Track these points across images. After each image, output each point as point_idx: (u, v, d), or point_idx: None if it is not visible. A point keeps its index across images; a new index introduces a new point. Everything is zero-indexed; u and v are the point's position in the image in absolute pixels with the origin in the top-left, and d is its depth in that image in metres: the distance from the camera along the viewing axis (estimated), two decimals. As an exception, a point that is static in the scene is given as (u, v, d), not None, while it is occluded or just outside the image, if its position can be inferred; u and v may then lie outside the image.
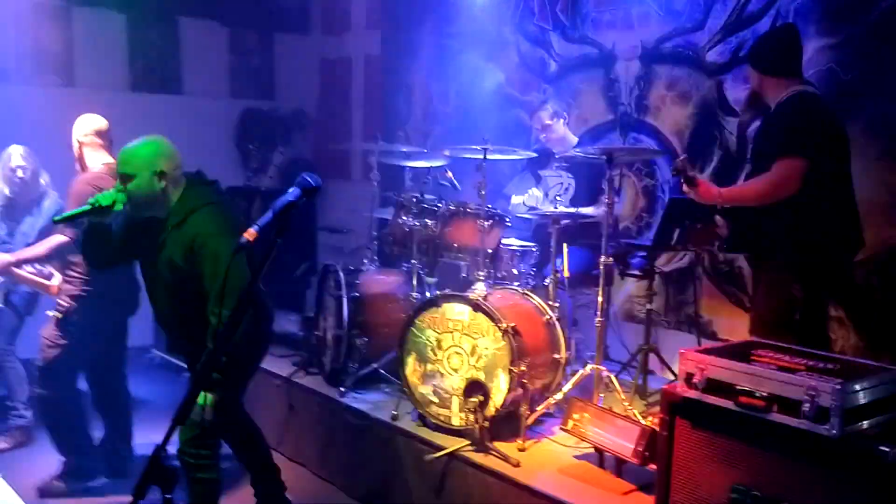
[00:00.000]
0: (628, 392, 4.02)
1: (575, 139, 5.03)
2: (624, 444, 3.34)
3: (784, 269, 3.56)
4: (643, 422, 3.48)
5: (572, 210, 4.47)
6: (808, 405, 2.56)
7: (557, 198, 4.48)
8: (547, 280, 4.37)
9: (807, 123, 3.50)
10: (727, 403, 2.76)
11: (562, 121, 4.94)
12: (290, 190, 2.23)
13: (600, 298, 3.98)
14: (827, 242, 3.54)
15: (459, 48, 6.33)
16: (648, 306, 4.47)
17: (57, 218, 3.57)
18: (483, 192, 4.15)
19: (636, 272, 4.52)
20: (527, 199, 4.83)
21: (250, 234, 2.16)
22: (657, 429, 3.06)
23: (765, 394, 2.67)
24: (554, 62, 5.77)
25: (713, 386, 2.82)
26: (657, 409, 3.23)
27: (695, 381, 2.86)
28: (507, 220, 4.40)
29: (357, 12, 7.49)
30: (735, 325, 4.74)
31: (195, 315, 3.16)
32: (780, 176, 3.44)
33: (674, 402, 2.94)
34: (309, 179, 2.22)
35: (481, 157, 4.15)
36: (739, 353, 2.95)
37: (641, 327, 4.71)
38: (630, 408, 3.77)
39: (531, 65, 5.93)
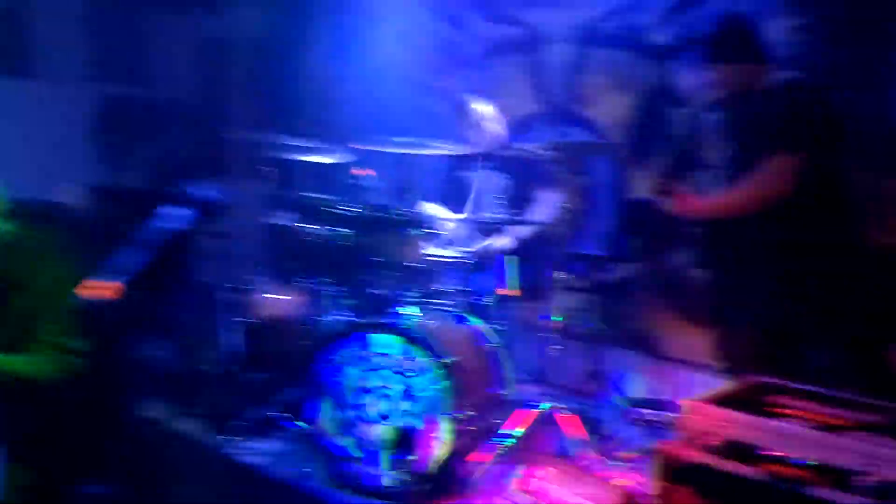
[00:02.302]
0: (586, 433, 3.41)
1: (504, 134, 4.37)
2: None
3: (775, 286, 3.03)
4: (623, 481, 2.86)
5: (518, 218, 3.81)
6: (866, 478, 1.98)
7: (493, 201, 3.81)
8: (486, 298, 3.68)
9: (801, 114, 2.99)
10: (751, 472, 2.16)
11: (497, 115, 4.28)
12: (179, 212, 1.45)
13: (555, 318, 3.35)
14: (821, 252, 3.03)
15: (365, 28, 5.56)
16: (597, 326, 3.87)
17: None
18: (409, 195, 3.43)
19: (584, 286, 3.93)
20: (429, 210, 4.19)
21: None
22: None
23: (806, 461, 2.08)
24: (474, 44, 5.09)
25: (731, 449, 2.22)
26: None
27: (707, 442, 2.25)
28: (434, 227, 3.69)
29: (244, -14, 6.57)
30: (689, 344, 4.20)
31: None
32: (772, 176, 2.91)
33: (676, 467, 2.31)
34: (202, 196, 1.46)
35: (401, 151, 3.43)
36: (750, 400, 2.36)
37: (585, 345, 4.13)
38: (604, 460, 3.15)
39: (449, 48, 5.23)
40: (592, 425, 3.85)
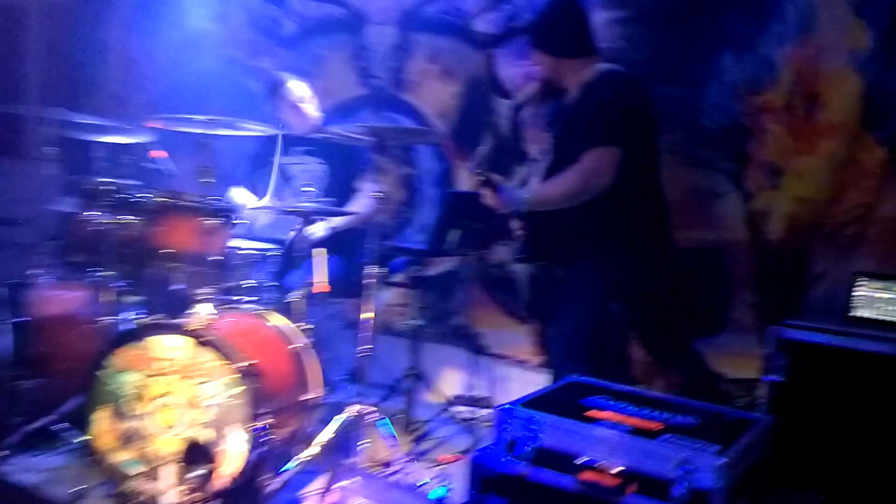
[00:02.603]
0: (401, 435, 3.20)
1: (319, 117, 4.10)
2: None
3: (595, 281, 2.93)
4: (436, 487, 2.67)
5: (334, 207, 3.54)
6: (680, 486, 1.87)
7: (305, 189, 3.52)
8: (294, 294, 3.39)
9: (620, 106, 2.92)
10: (566, 481, 2.01)
11: (315, 97, 4.00)
12: None
13: (365, 315, 3.11)
14: (640, 247, 2.98)
15: (168, 2, 5.10)
16: (415, 322, 3.68)
17: None
18: (207, 180, 3.08)
19: (402, 281, 3.72)
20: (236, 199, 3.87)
21: None
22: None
23: (618, 470, 1.95)
24: (291, 22, 4.76)
25: (545, 456, 2.06)
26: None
27: (519, 448, 2.08)
28: (237, 216, 3.35)
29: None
30: (508, 339, 4.09)
31: None
32: (593, 168, 2.83)
33: (487, 476, 2.13)
34: None
35: (205, 132, 3.08)
36: (566, 402, 2.22)
37: (401, 341, 3.94)
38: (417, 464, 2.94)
39: (262, 25, 4.88)
40: (408, 426, 3.67)
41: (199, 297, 3.07)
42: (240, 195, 4.08)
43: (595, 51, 3.11)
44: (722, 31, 3.47)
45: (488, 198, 2.89)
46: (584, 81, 3.02)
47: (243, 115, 4.52)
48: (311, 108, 4.00)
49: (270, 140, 3.93)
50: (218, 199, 3.25)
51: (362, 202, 3.82)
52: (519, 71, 4.00)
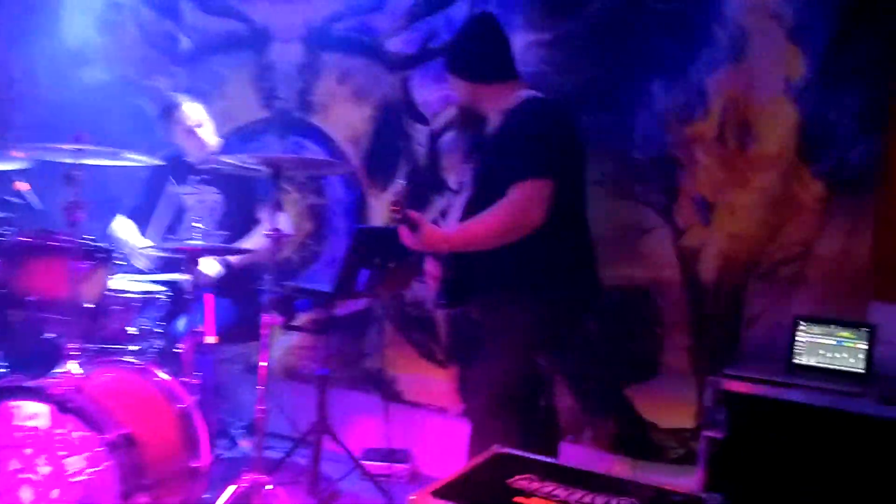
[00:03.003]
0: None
1: (218, 143, 3.73)
2: None
3: (517, 327, 2.65)
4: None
5: (222, 245, 3.17)
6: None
7: (195, 224, 3.15)
8: (182, 343, 3.00)
9: (548, 135, 2.66)
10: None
11: (212, 125, 3.63)
12: None
13: (262, 364, 2.76)
14: (569, 288, 2.72)
15: (53, 15, 4.64)
16: (321, 371, 3.33)
17: None
18: (75, 217, 2.68)
19: (305, 325, 3.37)
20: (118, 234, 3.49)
21: None
22: None
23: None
24: (187, 38, 4.37)
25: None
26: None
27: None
28: (118, 257, 2.96)
29: None
30: (426, 384, 3.77)
31: None
32: (524, 203, 2.55)
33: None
34: None
35: (73, 160, 2.69)
36: (491, 485, 1.92)
37: (307, 387, 3.59)
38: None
39: (156, 40, 4.47)
40: (315, 484, 3.31)
41: (70, 352, 2.66)
42: (124, 229, 3.67)
43: (516, 76, 2.85)
44: (651, 56, 3.25)
45: (405, 237, 2.57)
46: (506, 108, 2.76)
47: (137, 138, 4.16)
48: (208, 134, 3.63)
49: (161, 169, 3.55)
50: (92, 239, 2.85)
51: (260, 237, 3.47)
52: (436, 95, 3.71)
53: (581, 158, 2.80)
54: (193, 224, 3.10)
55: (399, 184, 2.44)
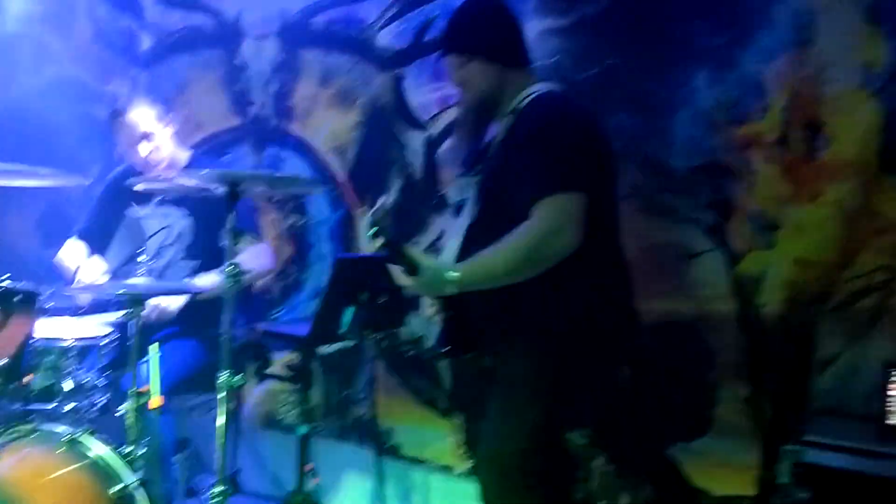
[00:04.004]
0: None
1: (185, 156, 3.16)
2: None
3: (538, 377, 2.09)
4: None
5: (176, 285, 2.62)
6: None
7: (141, 259, 2.59)
8: (124, 407, 2.42)
9: (575, 138, 2.10)
10: None
11: (170, 128, 3.06)
12: None
13: (219, 422, 2.20)
14: (602, 328, 2.16)
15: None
16: (304, 427, 2.76)
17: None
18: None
19: (281, 373, 2.81)
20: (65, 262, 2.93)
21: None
22: None
23: None
24: (148, 36, 3.82)
25: None
26: None
27: None
28: (42, 299, 2.39)
29: None
30: (426, 437, 3.20)
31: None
32: (555, 224, 2.00)
33: None
34: None
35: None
36: None
37: (288, 438, 3.06)
38: None
39: (112, 39, 3.93)
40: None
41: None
42: (72, 255, 3.10)
43: (530, 62, 2.29)
44: (692, 43, 2.69)
45: (400, 278, 1.99)
46: (515, 107, 2.19)
47: (87, 151, 3.62)
48: (164, 145, 3.05)
49: (119, 184, 2.99)
50: (11, 280, 2.29)
51: (233, 269, 2.90)
52: (434, 96, 3.16)
53: (613, 165, 2.24)
54: (139, 258, 2.52)
55: (380, 202, 1.85)
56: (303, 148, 3.48)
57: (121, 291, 2.30)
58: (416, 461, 3.22)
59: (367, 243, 3.19)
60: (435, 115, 3.17)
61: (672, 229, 2.72)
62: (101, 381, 2.63)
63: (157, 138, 3.02)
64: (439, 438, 3.17)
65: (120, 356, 2.73)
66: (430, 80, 3.16)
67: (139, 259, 2.39)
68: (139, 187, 2.34)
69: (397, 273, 1.94)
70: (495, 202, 2.16)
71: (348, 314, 2.54)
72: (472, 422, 3.09)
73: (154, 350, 2.25)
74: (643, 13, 2.75)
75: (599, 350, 2.20)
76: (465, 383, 3.12)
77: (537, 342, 2.15)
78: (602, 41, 2.83)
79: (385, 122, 3.27)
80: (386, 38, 3.27)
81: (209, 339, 2.96)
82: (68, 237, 3.19)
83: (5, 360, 2.24)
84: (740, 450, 2.60)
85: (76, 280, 2.88)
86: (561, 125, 2.09)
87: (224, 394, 2.14)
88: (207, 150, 3.51)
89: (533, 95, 2.18)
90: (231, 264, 2.14)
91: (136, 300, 2.32)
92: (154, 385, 2.22)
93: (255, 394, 3.48)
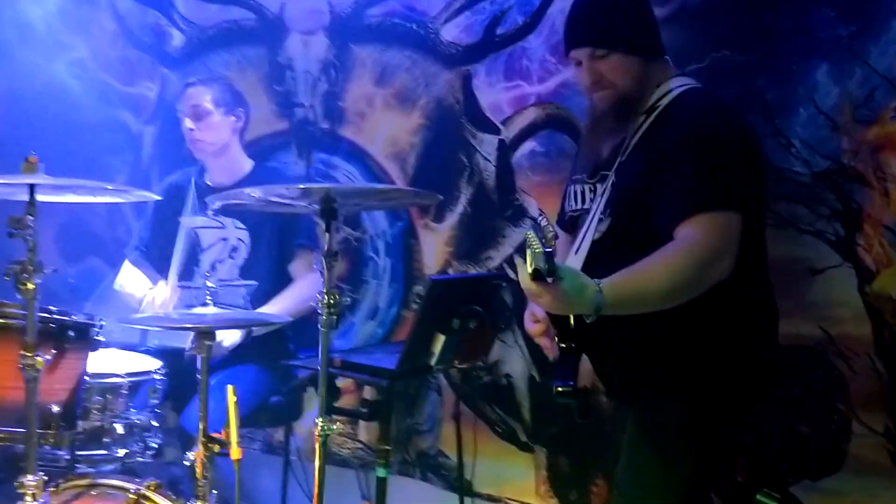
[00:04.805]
0: None
1: (249, 165, 2.84)
2: None
3: (696, 424, 1.81)
4: None
5: (242, 315, 2.30)
6: None
7: (208, 275, 2.28)
8: (193, 455, 2.09)
9: (729, 146, 1.80)
10: None
11: (232, 119, 2.75)
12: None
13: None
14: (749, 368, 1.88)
15: (10, 10, 3.75)
16: (383, 469, 2.44)
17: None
18: (35, 273, 1.80)
19: (355, 410, 2.50)
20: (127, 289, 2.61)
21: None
22: None
23: None
24: (180, 33, 3.51)
25: None
26: None
27: None
28: (99, 332, 2.07)
29: None
30: (503, 472, 2.90)
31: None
32: (710, 245, 1.72)
33: None
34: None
35: (27, 198, 1.81)
36: None
37: (343, 471, 2.93)
38: None
39: (140, 37, 3.62)
40: None
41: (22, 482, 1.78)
42: (131, 280, 2.77)
43: (664, 52, 2.00)
44: (811, 35, 2.40)
45: (534, 294, 1.65)
46: (654, 105, 1.90)
47: (116, 160, 3.33)
48: (219, 131, 2.73)
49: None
50: (63, 311, 1.97)
51: (298, 292, 2.60)
52: (509, 95, 2.86)
53: (764, 179, 1.95)
54: (208, 274, 2.21)
55: (547, 227, 1.53)
56: (357, 154, 3.17)
57: (190, 326, 1.97)
58: (492, 499, 2.91)
59: (434, 256, 2.93)
60: (509, 117, 2.87)
61: (793, 242, 2.43)
62: (154, 422, 2.34)
63: (211, 121, 2.69)
64: (518, 473, 2.87)
65: (170, 390, 2.43)
66: (502, 79, 2.87)
67: (206, 282, 2.06)
68: (216, 205, 2.01)
69: (526, 284, 1.62)
70: (631, 214, 1.86)
71: (439, 343, 2.24)
72: (555, 454, 2.82)
73: (231, 393, 1.93)
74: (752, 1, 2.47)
75: (751, 391, 1.92)
76: (546, 411, 2.84)
77: (691, 383, 1.85)
78: (706, 32, 2.54)
79: (452, 125, 2.97)
80: (452, 32, 2.97)
81: (271, 367, 2.67)
82: (118, 255, 2.88)
83: (58, 406, 1.92)
84: (877, 489, 2.32)
85: (142, 309, 2.57)
86: (721, 131, 1.80)
87: (322, 442, 1.83)
88: (249, 154, 3.18)
89: (675, 92, 1.89)
90: (330, 277, 1.82)
91: (206, 333, 2.00)
92: (234, 434, 1.91)
93: (305, 422, 3.17)
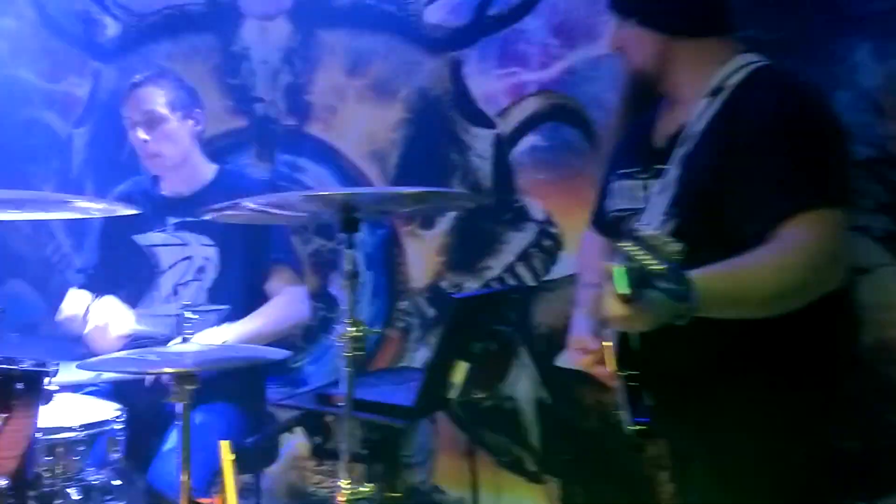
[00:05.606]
0: None
1: (211, 169, 2.42)
2: None
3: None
4: None
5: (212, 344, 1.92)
6: None
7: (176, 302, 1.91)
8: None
9: (823, 134, 1.54)
10: None
11: (190, 123, 2.33)
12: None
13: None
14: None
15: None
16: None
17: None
18: None
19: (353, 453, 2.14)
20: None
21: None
22: None
23: None
24: (114, 21, 3.07)
25: None
26: None
27: None
28: (51, 380, 1.66)
29: None
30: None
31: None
32: (834, 247, 1.47)
33: None
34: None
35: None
36: None
37: None
38: None
39: (68, 29, 3.17)
40: None
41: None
42: (74, 302, 2.31)
43: (729, 28, 1.73)
44: (849, 10, 2.19)
45: (624, 320, 1.33)
46: (721, 84, 1.62)
47: (39, 167, 2.92)
48: (178, 140, 2.32)
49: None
50: (1, 359, 1.56)
51: (275, 311, 2.22)
52: (504, 83, 2.55)
53: (850, 170, 1.70)
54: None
55: (658, 235, 1.22)
56: (327, 153, 2.81)
57: (167, 370, 1.59)
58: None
59: (422, 269, 2.60)
60: (505, 109, 2.56)
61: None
62: (116, 481, 1.94)
63: (168, 129, 2.28)
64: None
65: (131, 438, 2.03)
66: (497, 65, 2.56)
67: (185, 312, 1.68)
68: (208, 216, 1.62)
69: (615, 311, 1.31)
70: (704, 214, 1.57)
71: (461, 372, 1.92)
72: (568, 487, 2.54)
73: (226, 449, 1.56)
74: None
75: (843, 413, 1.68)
76: (557, 439, 2.55)
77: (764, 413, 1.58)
78: (734, 9, 2.30)
79: (439, 119, 2.64)
80: (437, 14, 2.64)
81: (247, 405, 2.29)
82: (46, 278, 2.43)
83: (6, 479, 1.51)
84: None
85: (87, 328, 2.13)
86: (813, 114, 1.54)
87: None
88: (214, 155, 2.76)
89: (744, 71, 1.62)
90: (353, 322, 1.48)
91: (186, 377, 1.62)
92: (232, 499, 1.53)
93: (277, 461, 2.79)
